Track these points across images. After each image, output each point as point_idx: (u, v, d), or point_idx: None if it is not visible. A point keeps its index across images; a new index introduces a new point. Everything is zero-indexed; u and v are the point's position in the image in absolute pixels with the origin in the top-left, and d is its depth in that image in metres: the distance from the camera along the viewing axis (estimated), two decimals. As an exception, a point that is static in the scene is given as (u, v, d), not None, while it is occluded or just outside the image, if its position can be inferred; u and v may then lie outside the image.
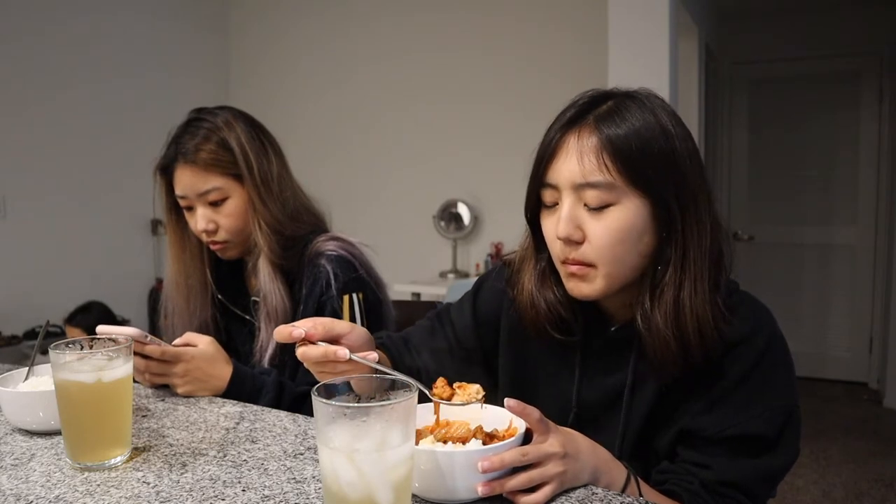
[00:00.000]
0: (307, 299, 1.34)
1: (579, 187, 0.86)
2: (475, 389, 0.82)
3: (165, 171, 1.37)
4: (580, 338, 0.97)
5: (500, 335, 1.07)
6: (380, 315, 1.38)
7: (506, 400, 0.76)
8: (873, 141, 4.28)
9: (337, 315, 1.31)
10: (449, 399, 0.81)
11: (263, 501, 0.75)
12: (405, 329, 1.16)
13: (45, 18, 3.58)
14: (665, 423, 0.91)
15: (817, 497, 2.86)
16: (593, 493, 0.77)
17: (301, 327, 0.82)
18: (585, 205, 0.87)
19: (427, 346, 1.09)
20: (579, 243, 0.87)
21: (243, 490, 0.78)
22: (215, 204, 1.33)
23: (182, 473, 0.82)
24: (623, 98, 0.89)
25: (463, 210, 4.03)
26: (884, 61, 4.21)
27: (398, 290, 3.62)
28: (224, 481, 0.80)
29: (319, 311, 1.33)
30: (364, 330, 0.89)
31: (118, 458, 0.86)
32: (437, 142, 4.12)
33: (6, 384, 1.01)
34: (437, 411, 0.83)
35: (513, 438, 0.76)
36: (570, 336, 0.96)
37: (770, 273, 4.64)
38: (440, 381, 0.84)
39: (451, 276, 4.02)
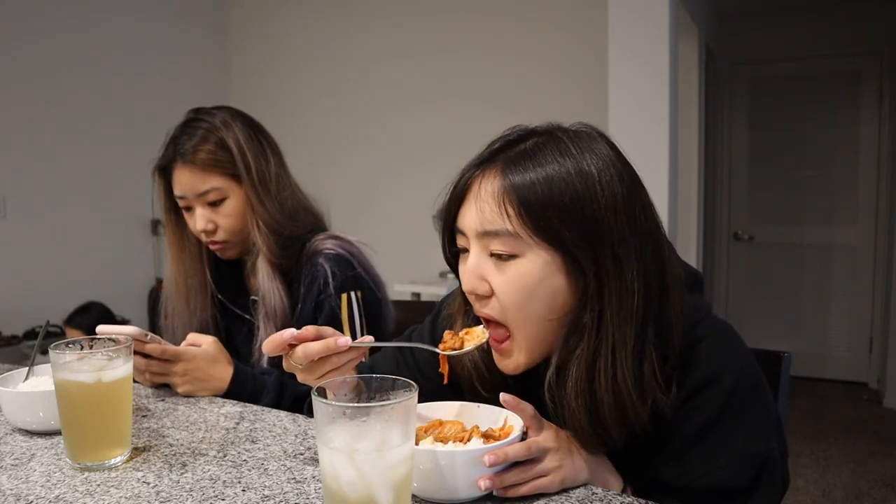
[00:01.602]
0: (305, 298, 1.34)
1: (482, 235, 0.79)
2: (480, 329, 0.83)
3: (164, 171, 1.37)
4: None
5: None
6: (379, 314, 1.38)
7: (501, 395, 0.77)
8: (873, 141, 4.28)
9: (335, 314, 1.31)
10: (461, 348, 0.83)
11: (263, 501, 0.75)
12: (371, 356, 1.15)
13: (44, 18, 3.58)
14: (633, 471, 0.85)
15: (817, 497, 2.85)
16: (593, 493, 0.77)
17: (288, 332, 0.81)
18: (492, 254, 0.80)
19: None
20: (488, 297, 0.81)
21: (243, 490, 0.78)
22: (214, 204, 1.33)
23: (182, 473, 0.82)
24: (545, 139, 0.79)
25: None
26: (884, 61, 4.21)
27: (398, 290, 3.62)
28: (224, 481, 0.80)
29: (318, 310, 1.33)
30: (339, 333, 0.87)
31: (118, 458, 0.86)
32: (438, 141, 4.12)
33: (6, 384, 1.01)
34: (444, 367, 0.84)
35: (514, 435, 0.76)
36: (498, 392, 0.87)
37: (770, 273, 4.64)
38: (447, 335, 0.85)
39: (451, 276, 4.01)
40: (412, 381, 0.68)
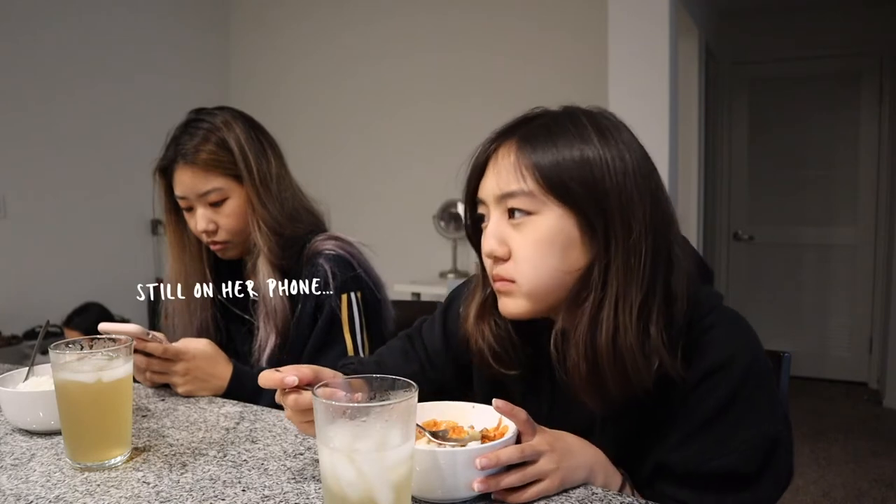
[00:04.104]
0: (305, 299, 1.34)
1: (501, 199, 0.85)
2: (473, 433, 0.81)
3: (165, 171, 1.37)
4: (522, 371, 0.92)
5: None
6: (378, 315, 1.38)
7: (494, 400, 0.77)
8: (873, 141, 4.28)
9: (335, 314, 1.32)
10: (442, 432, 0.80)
11: (263, 501, 0.75)
12: (378, 350, 1.15)
13: (44, 18, 3.58)
14: (641, 455, 0.86)
15: (817, 497, 2.86)
16: (593, 493, 0.77)
17: (289, 374, 0.79)
18: (511, 218, 0.85)
19: (401, 371, 0.99)
20: (505, 259, 0.85)
21: (243, 490, 0.78)
22: (215, 204, 1.33)
23: (182, 473, 0.83)
24: (561, 114, 0.88)
25: (463, 210, 4.01)
26: (884, 61, 4.21)
27: (398, 290, 3.62)
28: (224, 481, 0.80)
29: (318, 311, 1.33)
30: (340, 374, 0.87)
31: (118, 458, 0.86)
32: (438, 141, 4.12)
33: (6, 384, 1.01)
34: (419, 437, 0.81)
35: (508, 436, 0.76)
36: (510, 370, 0.92)
37: (770, 273, 4.64)
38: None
39: (451, 276, 4.02)
40: (412, 381, 0.68)
